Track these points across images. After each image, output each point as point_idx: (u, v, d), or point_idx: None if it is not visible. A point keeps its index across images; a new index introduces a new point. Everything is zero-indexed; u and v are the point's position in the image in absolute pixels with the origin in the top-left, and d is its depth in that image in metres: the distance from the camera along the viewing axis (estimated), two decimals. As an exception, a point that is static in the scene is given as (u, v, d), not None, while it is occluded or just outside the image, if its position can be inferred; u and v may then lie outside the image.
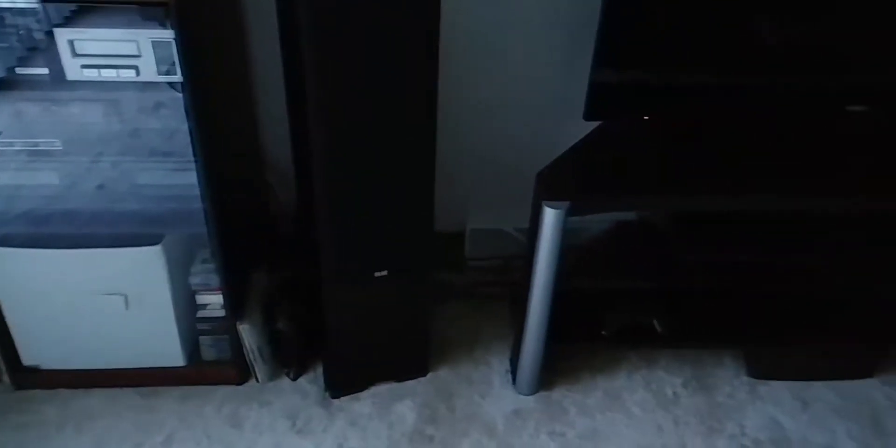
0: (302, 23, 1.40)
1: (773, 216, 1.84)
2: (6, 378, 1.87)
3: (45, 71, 1.51)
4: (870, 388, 1.99)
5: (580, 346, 1.99)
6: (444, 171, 2.09)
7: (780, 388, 1.98)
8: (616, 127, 1.84)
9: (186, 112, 1.56)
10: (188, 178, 1.65)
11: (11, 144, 1.59)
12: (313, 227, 1.67)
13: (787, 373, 1.99)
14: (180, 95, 1.56)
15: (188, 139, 1.59)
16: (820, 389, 1.98)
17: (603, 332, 1.90)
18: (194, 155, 1.61)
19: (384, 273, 1.73)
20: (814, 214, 1.87)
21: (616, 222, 2.05)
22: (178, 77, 1.51)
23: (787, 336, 1.97)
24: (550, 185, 1.69)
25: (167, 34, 1.47)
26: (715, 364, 2.05)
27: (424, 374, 1.96)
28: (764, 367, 1.99)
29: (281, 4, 1.75)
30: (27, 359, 1.86)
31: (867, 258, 1.93)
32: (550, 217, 1.65)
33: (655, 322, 1.91)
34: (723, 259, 1.88)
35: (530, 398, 1.92)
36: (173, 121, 1.61)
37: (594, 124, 1.83)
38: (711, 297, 2.00)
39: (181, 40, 1.47)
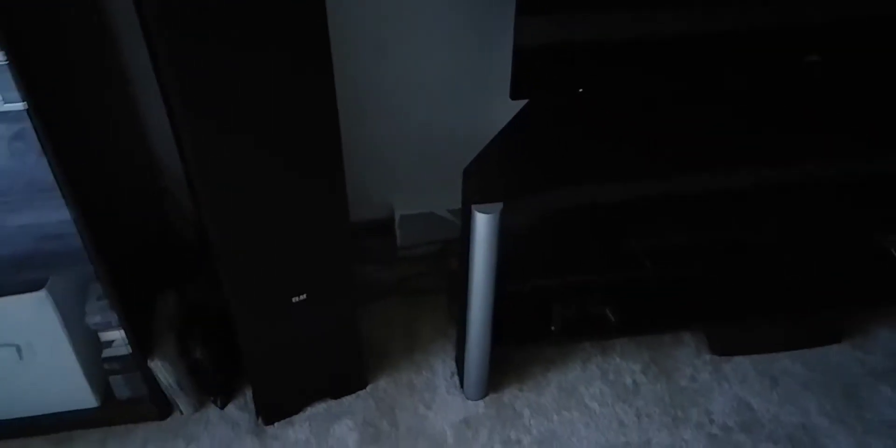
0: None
1: (722, 191, 1.67)
2: None
3: None
4: (839, 355, 1.86)
5: (529, 345, 1.84)
6: (366, 155, 1.91)
7: (744, 365, 1.85)
8: (544, 106, 1.63)
9: (41, 142, 1.33)
10: (60, 214, 1.43)
11: None
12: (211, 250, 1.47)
13: (750, 347, 1.86)
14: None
15: (51, 172, 1.37)
16: (787, 362, 1.85)
17: (552, 328, 1.75)
18: (60, 188, 1.39)
19: (303, 297, 1.56)
20: (763, 184, 1.70)
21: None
22: (22, 105, 1.28)
23: (747, 308, 1.82)
24: (480, 184, 1.49)
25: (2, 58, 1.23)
26: (674, 343, 1.91)
27: (364, 387, 1.80)
28: (726, 343, 1.86)
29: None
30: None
31: (824, 220, 1.79)
32: (482, 222, 1.46)
33: (608, 311, 1.75)
34: (671, 239, 1.72)
35: (480, 403, 1.77)
36: (31, 153, 1.38)
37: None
38: (663, 280, 1.83)
39: (17, 63, 1.22)
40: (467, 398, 1.79)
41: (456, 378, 1.83)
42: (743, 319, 1.83)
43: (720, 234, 1.75)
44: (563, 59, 1.57)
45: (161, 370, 1.65)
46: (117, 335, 1.64)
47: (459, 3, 1.74)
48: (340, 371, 1.76)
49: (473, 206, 1.46)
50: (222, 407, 1.77)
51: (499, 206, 1.46)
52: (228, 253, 1.44)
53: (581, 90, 1.60)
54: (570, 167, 1.57)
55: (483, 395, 1.79)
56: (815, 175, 1.63)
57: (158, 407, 1.72)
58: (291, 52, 1.25)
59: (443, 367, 1.86)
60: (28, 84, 1.25)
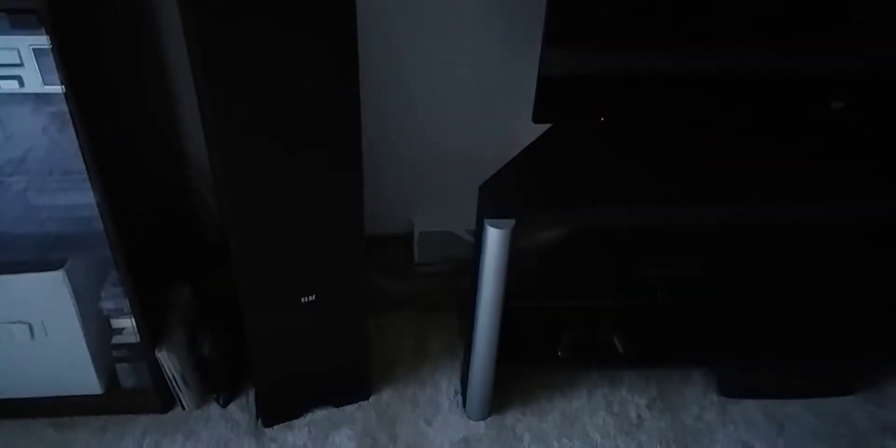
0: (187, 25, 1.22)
1: (742, 226, 1.66)
2: None
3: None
4: (850, 407, 1.82)
5: (534, 367, 1.83)
6: (390, 171, 1.94)
7: (752, 408, 1.81)
8: (568, 130, 1.65)
9: (75, 126, 1.38)
10: (86, 198, 1.47)
11: None
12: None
13: (760, 391, 1.83)
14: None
15: (80, 155, 1.41)
16: (796, 409, 1.82)
17: (559, 353, 1.74)
18: (88, 172, 1.43)
19: (312, 298, 1.57)
20: (786, 223, 1.69)
21: (570, 229, 1.87)
22: (60, 88, 1.33)
23: (760, 352, 1.79)
24: (494, 199, 1.50)
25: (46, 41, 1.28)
26: (683, 381, 1.89)
27: (367, 398, 1.81)
28: (735, 385, 1.83)
29: None
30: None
31: (845, 268, 1.77)
32: (494, 237, 1.47)
33: (616, 340, 1.74)
34: (686, 271, 1.71)
35: (481, 424, 1.76)
36: (64, 136, 1.43)
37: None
38: (676, 312, 1.82)
39: (60, 47, 1.27)
40: (469, 418, 1.78)
41: (459, 397, 1.82)
42: (754, 361, 1.79)
43: (736, 271, 1.74)
44: (585, 90, 1.59)
45: (167, 362, 1.67)
46: (128, 323, 1.67)
47: (486, 24, 1.78)
48: (345, 379, 1.76)
49: (486, 221, 1.47)
50: (224, 405, 1.77)
51: (511, 222, 1.47)
52: (243, 246, 1.46)
53: (602, 119, 1.62)
54: (587, 189, 1.56)
55: (485, 416, 1.78)
56: (842, 216, 1.61)
57: (161, 399, 1.73)
58: (319, 57, 1.28)
59: (447, 385, 1.86)
60: (68, 68, 1.30)
